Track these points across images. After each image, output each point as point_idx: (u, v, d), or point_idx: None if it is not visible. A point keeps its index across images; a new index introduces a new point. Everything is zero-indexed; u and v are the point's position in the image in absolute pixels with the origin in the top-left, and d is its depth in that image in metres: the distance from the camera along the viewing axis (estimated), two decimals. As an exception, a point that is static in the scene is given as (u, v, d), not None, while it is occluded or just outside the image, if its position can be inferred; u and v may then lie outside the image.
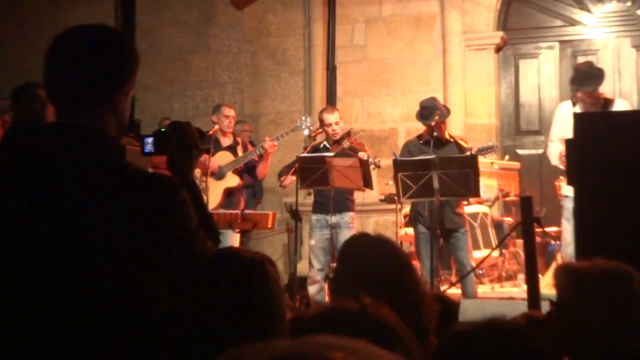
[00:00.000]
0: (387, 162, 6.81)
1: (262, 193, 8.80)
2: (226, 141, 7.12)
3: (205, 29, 9.70)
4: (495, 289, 7.30)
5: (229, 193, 6.93)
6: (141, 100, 9.10)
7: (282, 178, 6.86)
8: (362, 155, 6.38)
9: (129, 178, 1.79)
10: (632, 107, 7.20)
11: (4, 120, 5.01)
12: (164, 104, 9.71)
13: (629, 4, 8.63)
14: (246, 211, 6.56)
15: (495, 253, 6.93)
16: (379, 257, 2.08)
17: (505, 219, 7.87)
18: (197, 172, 6.53)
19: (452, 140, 6.45)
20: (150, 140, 2.08)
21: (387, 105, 9.04)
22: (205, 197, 6.20)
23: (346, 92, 8.97)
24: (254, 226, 6.38)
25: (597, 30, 8.74)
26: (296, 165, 6.52)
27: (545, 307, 3.12)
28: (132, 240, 1.74)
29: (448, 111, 6.56)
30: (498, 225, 7.67)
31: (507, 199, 7.93)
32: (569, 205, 6.25)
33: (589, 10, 8.73)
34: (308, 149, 6.99)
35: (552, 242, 7.41)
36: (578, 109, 6.31)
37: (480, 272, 7.39)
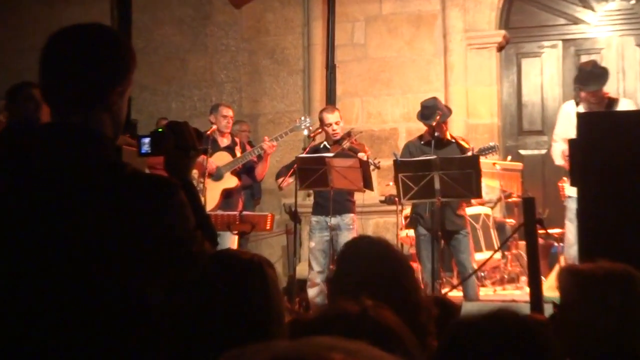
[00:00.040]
0: (387, 162, 6.81)
1: (260, 194, 8.79)
2: (224, 141, 7.12)
3: (202, 28, 9.70)
4: (498, 292, 7.30)
5: (227, 194, 6.93)
6: (138, 100, 9.10)
7: (280, 180, 6.86)
8: (362, 156, 6.38)
9: (126, 179, 1.80)
10: (636, 106, 7.20)
11: (-1, 120, 5.01)
12: (160, 104, 9.71)
13: (633, 2, 8.63)
14: (244, 212, 6.55)
15: (498, 255, 6.93)
16: (378, 259, 2.08)
17: (508, 220, 7.87)
18: (195, 173, 6.53)
19: (453, 140, 6.45)
20: (147, 140, 2.08)
21: (388, 105, 9.04)
22: (202, 198, 6.21)
23: (346, 91, 8.97)
24: (253, 228, 6.38)
25: (600, 29, 8.74)
26: (295, 166, 6.52)
27: (548, 310, 3.11)
28: (128, 241, 1.74)
29: (449, 111, 6.56)
30: (500, 227, 7.68)
31: (510, 200, 7.93)
32: (572, 205, 6.26)
33: (592, 9, 8.73)
34: (307, 149, 6.98)
35: (555, 244, 7.41)
36: (582, 108, 6.31)
37: (482, 274, 7.39)
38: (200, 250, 1.88)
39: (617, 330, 2.07)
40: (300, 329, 1.42)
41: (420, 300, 2.08)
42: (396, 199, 6.69)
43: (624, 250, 3.18)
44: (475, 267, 6.22)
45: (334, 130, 6.70)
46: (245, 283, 1.84)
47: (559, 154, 6.45)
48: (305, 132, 7.24)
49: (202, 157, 6.38)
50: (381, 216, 8.62)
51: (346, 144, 6.62)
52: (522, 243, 6.40)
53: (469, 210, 6.84)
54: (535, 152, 8.92)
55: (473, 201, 6.97)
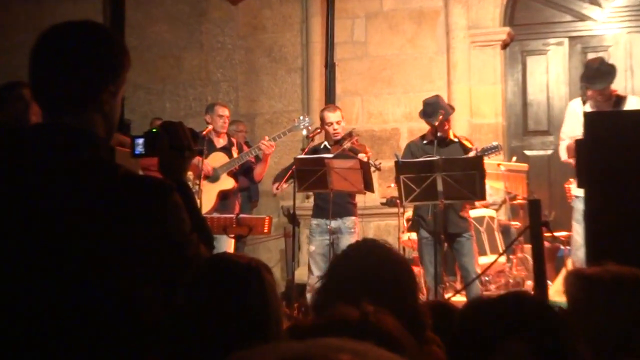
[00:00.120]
0: (388, 163, 6.82)
1: (258, 196, 8.80)
2: (220, 142, 7.12)
3: (197, 25, 9.71)
4: (502, 297, 7.28)
5: (223, 196, 6.93)
6: (131, 100, 9.10)
7: (275, 185, 6.86)
8: (362, 156, 6.38)
9: (119, 180, 1.80)
10: (645, 104, 7.20)
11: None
12: (154, 103, 9.71)
13: (641, -3, 8.64)
14: (241, 215, 6.55)
15: (502, 259, 6.93)
16: (379, 263, 2.07)
17: (513, 223, 7.87)
18: (190, 174, 6.53)
19: (456, 140, 6.45)
20: (140, 141, 2.09)
21: (389, 104, 9.05)
22: (198, 201, 6.20)
23: (346, 90, 8.98)
24: (250, 231, 6.38)
25: (608, 26, 8.75)
26: (293, 167, 6.51)
27: (554, 315, 3.12)
28: (122, 244, 1.74)
29: (452, 109, 6.56)
30: (505, 230, 7.68)
31: (515, 202, 7.93)
32: (579, 206, 6.26)
33: (599, 5, 8.74)
34: (306, 150, 6.98)
35: (562, 247, 7.41)
36: (588, 107, 6.32)
37: (487, 278, 7.39)
38: (196, 254, 1.88)
39: (625, 335, 2.07)
40: (299, 335, 1.42)
41: (418, 306, 2.08)
42: (398, 201, 6.68)
43: (633, 253, 3.18)
44: (479, 271, 6.21)
45: (334, 130, 6.70)
46: (243, 288, 1.84)
47: (565, 148, 6.46)
48: (304, 132, 7.24)
49: (197, 158, 6.37)
50: (382, 219, 8.62)
51: (347, 145, 6.61)
52: (528, 246, 6.41)
53: (473, 213, 6.83)
54: (541, 152, 8.93)
55: (477, 203, 6.97)
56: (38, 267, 1.73)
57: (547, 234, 4.99)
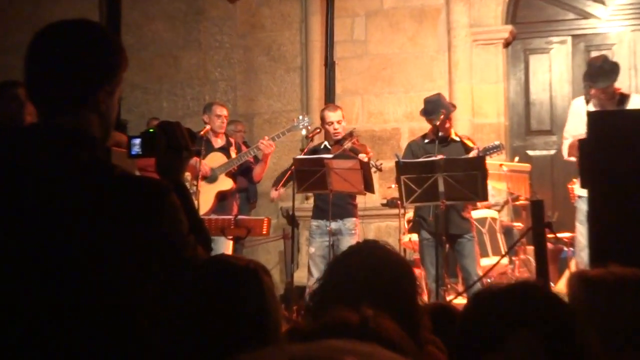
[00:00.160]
0: (389, 164, 6.82)
1: (256, 197, 8.80)
2: (218, 142, 7.12)
3: (195, 24, 9.71)
4: (505, 299, 7.28)
5: (221, 197, 6.93)
6: (128, 99, 9.11)
7: (274, 189, 6.86)
8: (363, 157, 6.38)
9: (115, 181, 1.80)
10: (649, 103, 7.20)
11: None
12: (152, 103, 9.72)
13: (645, -5, 8.65)
14: (240, 216, 6.55)
15: (505, 260, 6.93)
16: (378, 265, 2.07)
17: (515, 224, 7.87)
18: (188, 175, 6.53)
19: (458, 139, 6.45)
20: (137, 141, 2.09)
21: (389, 103, 9.05)
22: (196, 202, 6.20)
23: (346, 89, 8.98)
24: (248, 232, 6.38)
25: (611, 24, 8.75)
26: (291, 168, 6.51)
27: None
28: (118, 246, 1.74)
29: (454, 107, 6.56)
30: (507, 231, 7.68)
31: (517, 203, 7.93)
32: (582, 206, 6.25)
33: (603, 3, 8.74)
34: (305, 150, 6.98)
35: (565, 248, 7.41)
36: (592, 106, 6.32)
37: (489, 280, 7.39)
38: (194, 256, 1.88)
39: (629, 339, 2.07)
40: (298, 338, 1.42)
41: (419, 308, 2.08)
42: (398, 202, 6.68)
43: (637, 255, 3.19)
44: (481, 273, 6.21)
45: (335, 129, 6.69)
46: (241, 291, 1.84)
47: (568, 147, 6.46)
48: (304, 132, 7.24)
49: (195, 159, 6.38)
50: (383, 220, 8.62)
51: (347, 145, 6.61)
52: (531, 248, 6.40)
53: (475, 214, 6.84)
54: (544, 152, 8.93)
55: (479, 204, 6.97)
56: (33, 269, 1.73)
57: (550, 235, 4.99)
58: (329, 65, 8.11)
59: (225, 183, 6.96)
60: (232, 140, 7.29)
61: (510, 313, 1.51)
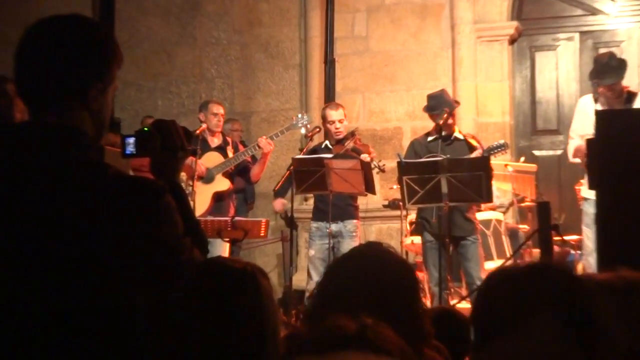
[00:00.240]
0: (391, 164, 6.81)
1: (254, 198, 8.79)
2: (215, 141, 7.12)
3: (190, 19, 9.71)
4: (510, 303, 7.28)
5: (218, 198, 6.93)
6: (121, 97, 9.11)
7: (279, 200, 6.87)
8: (365, 157, 6.37)
9: (108, 181, 1.80)
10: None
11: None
12: (146, 101, 9.71)
13: (655, -9, 8.65)
14: (237, 218, 6.55)
15: (510, 264, 6.92)
16: (378, 266, 2.07)
17: (521, 226, 7.87)
18: (183, 175, 6.53)
19: (462, 138, 6.45)
20: (131, 140, 2.08)
21: (391, 102, 9.05)
22: (192, 203, 6.20)
23: (346, 87, 8.98)
24: (245, 234, 6.38)
25: (620, 20, 8.75)
26: (290, 168, 6.51)
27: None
28: (112, 249, 1.74)
29: (457, 103, 6.57)
30: (513, 234, 7.68)
31: (523, 204, 7.93)
32: (589, 209, 6.26)
33: (611, -2, 8.76)
34: (305, 149, 6.98)
35: (572, 251, 7.41)
36: (600, 105, 6.32)
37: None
38: (189, 258, 1.88)
39: (637, 345, 2.06)
40: (297, 344, 1.42)
41: (422, 313, 2.08)
42: (400, 203, 6.69)
43: (646, 259, 3.18)
44: (484, 276, 6.20)
45: (336, 129, 6.69)
46: (238, 294, 1.83)
47: (574, 150, 6.47)
48: (303, 131, 7.24)
49: (190, 159, 6.38)
50: (384, 222, 8.62)
51: (349, 144, 6.61)
52: (537, 251, 6.40)
53: (479, 216, 6.84)
54: (550, 152, 8.93)
55: (483, 206, 6.97)
56: (22, 271, 1.73)
57: (557, 238, 4.99)
58: (329, 63, 8.12)
59: (222, 183, 6.96)
60: (229, 139, 7.29)
61: (529, 295, 1.49)
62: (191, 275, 1.86)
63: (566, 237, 6.48)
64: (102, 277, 1.74)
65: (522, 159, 8.11)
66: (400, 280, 2.06)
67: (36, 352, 1.72)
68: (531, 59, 9.06)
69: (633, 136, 3.69)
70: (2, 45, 7.79)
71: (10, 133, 1.88)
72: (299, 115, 7.20)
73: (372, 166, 6.37)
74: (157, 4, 9.77)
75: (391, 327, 1.45)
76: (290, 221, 7.24)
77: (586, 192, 6.34)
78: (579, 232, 6.79)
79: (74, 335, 1.73)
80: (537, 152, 8.99)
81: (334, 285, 2.04)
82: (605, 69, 6.32)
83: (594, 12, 8.83)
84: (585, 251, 6.52)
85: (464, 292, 6.85)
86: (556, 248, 5.73)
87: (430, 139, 6.44)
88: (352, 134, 6.74)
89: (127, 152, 2.09)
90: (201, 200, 6.77)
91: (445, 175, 5.78)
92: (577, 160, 6.47)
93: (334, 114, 6.73)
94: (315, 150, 6.88)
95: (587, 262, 6.35)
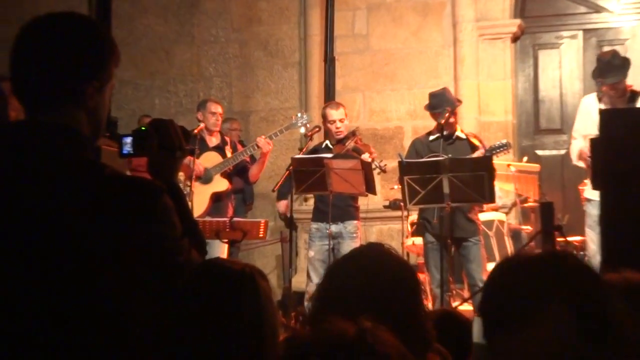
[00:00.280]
0: (392, 164, 6.81)
1: (253, 198, 8.79)
2: (213, 141, 7.12)
3: (188, 17, 9.71)
4: (513, 305, 7.28)
5: (216, 198, 6.93)
6: (118, 96, 9.10)
7: (282, 202, 6.86)
8: (366, 157, 6.37)
9: (105, 181, 1.79)
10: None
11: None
12: (143, 100, 9.71)
13: (660, -12, 8.65)
14: (235, 219, 6.55)
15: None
16: (379, 268, 2.07)
17: (524, 227, 7.87)
18: (181, 175, 6.53)
19: (464, 137, 6.45)
20: (128, 140, 2.08)
21: (392, 101, 9.05)
22: (190, 203, 6.19)
23: (346, 86, 8.98)
24: (244, 235, 6.38)
25: (624, 18, 8.75)
26: (289, 168, 6.51)
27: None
28: (108, 250, 1.74)
29: (459, 102, 6.56)
30: (515, 235, 7.68)
31: (526, 205, 7.93)
32: (592, 211, 6.26)
33: (615, -4, 8.76)
34: (304, 149, 6.98)
35: (576, 252, 7.41)
36: (604, 105, 6.32)
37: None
38: (187, 260, 1.88)
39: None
40: (294, 350, 1.42)
41: (423, 315, 2.07)
42: (401, 203, 6.69)
43: (651, 260, 3.18)
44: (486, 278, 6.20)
45: (337, 128, 6.69)
46: (236, 296, 1.83)
47: (577, 152, 6.47)
48: (302, 130, 7.24)
49: (188, 158, 6.38)
50: (385, 222, 8.62)
51: (350, 144, 6.61)
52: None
53: (482, 217, 6.83)
54: (554, 152, 8.93)
55: (485, 206, 6.97)
56: (18, 272, 1.73)
57: (560, 239, 4.99)
58: (329, 61, 8.11)
59: (221, 184, 6.96)
60: (227, 139, 7.29)
61: (539, 287, 1.47)
62: (189, 276, 1.86)
63: (570, 238, 6.48)
64: (98, 278, 1.74)
65: (525, 158, 8.11)
66: (401, 282, 2.05)
67: (31, 352, 1.72)
68: (534, 57, 9.06)
69: (637, 136, 3.69)
70: (-3, 43, 7.81)
71: (5, 132, 1.88)
72: (299, 115, 7.20)
73: (373, 167, 6.36)
74: (155, 2, 9.77)
75: (392, 330, 1.45)
76: (290, 222, 7.24)
77: (589, 193, 6.34)
78: (582, 233, 6.79)
79: (69, 336, 1.72)
80: (540, 152, 8.99)
81: (334, 287, 2.04)
82: (608, 68, 6.33)
83: (597, 9, 8.84)
84: (588, 253, 6.53)
85: (466, 294, 6.85)
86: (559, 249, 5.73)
87: (432, 138, 6.43)
88: (353, 134, 6.73)
89: (124, 151, 2.09)
90: (199, 200, 6.77)
91: (447, 175, 5.78)
92: (581, 164, 6.48)
93: (334, 114, 6.72)
94: (315, 150, 6.88)
95: (591, 264, 6.35)
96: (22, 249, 1.73)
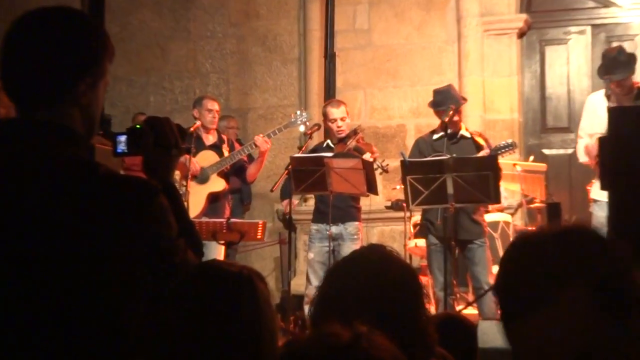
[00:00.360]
0: (394, 163, 6.81)
1: (250, 199, 8.80)
2: (210, 139, 7.12)
3: (184, 11, 9.71)
4: (518, 309, 7.28)
5: (213, 198, 6.93)
6: (112, 93, 9.11)
7: (286, 202, 6.88)
8: (368, 157, 6.37)
9: (99, 180, 1.80)
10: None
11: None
12: (138, 97, 9.72)
13: (671, -18, 8.65)
14: (232, 220, 6.55)
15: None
16: (380, 270, 2.08)
17: (530, 228, 7.87)
18: (177, 174, 6.53)
19: (469, 136, 6.45)
20: (123, 138, 2.09)
21: (394, 98, 9.05)
22: (186, 203, 6.20)
23: (347, 83, 8.99)
24: (242, 237, 6.38)
25: (634, 12, 8.75)
26: (288, 168, 6.51)
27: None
28: (102, 251, 1.74)
29: (464, 100, 6.57)
30: (521, 236, 7.66)
31: (532, 205, 7.93)
32: (599, 212, 6.27)
33: (624, -10, 8.76)
34: (304, 148, 6.98)
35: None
36: (612, 103, 6.33)
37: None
38: (183, 261, 1.88)
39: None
40: (288, 354, 1.42)
41: (426, 319, 2.08)
42: (404, 204, 6.69)
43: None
44: (492, 281, 6.21)
45: (338, 127, 6.69)
46: (234, 299, 1.83)
47: (583, 149, 6.47)
48: (302, 129, 7.24)
49: (185, 157, 6.38)
50: (387, 224, 8.63)
51: (351, 143, 6.61)
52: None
53: (486, 218, 6.83)
54: (561, 151, 8.93)
55: (491, 207, 6.97)
56: (11, 272, 1.73)
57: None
58: (329, 57, 8.12)
59: (217, 183, 6.96)
60: (224, 137, 7.29)
61: (558, 268, 1.43)
62: (185, 278, 1.86)
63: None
64: (92, 279, 1.74)
65: (532, 158, 8.11)
66: (403, 284, 2.06)
67: (24, 353, 1.72)
68: (541, 53, 9.06)
69: (647, 134, 3.69)
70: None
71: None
72: (298, 112, 7.20)
73: (375, 166, 6.36)
74: (150, -4, 9.77)
75: (393, 334, 1.45)
76: (289, 223, 7.24)
77: (596, 194, 6.33)
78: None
79: (63, 336, 1.73)
80: (546, 151, 8.99)
81: (334, 290, 2.05)
82: (613, 64, 6.33)
83: (606, 4, 8.84)
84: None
85: (470, 297, 6.85)
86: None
87: (435, 137, 6.43)
88: (354, 132, 6.72)
89: (119, 150, 2.09)
90: (195, 201, 6.77)
91: (451, 175, 5.78)
92: (585, 158, 6.48)
93: (335, 112, 6.72)
94: (316, 150, 6.87)
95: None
96: (13, 250, 1.73)
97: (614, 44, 8.31)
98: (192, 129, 6.80)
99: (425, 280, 6.37)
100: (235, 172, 7.14)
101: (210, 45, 9.64)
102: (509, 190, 7.77)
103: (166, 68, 9.74)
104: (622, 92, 6.26)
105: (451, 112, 6.20)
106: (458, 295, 6.66)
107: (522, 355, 1.46)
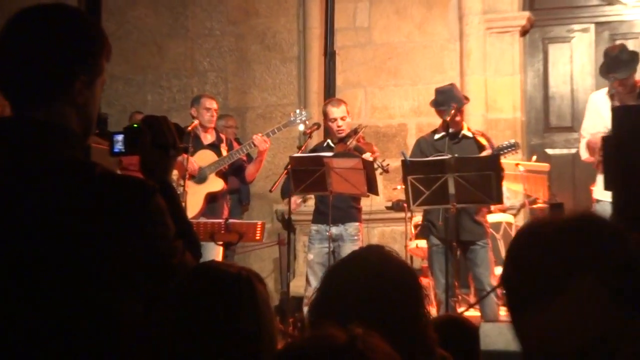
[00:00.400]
0: (395, 163, 6.81)
1: (249, 199, 8.80)
2: (208, 138, 7.12)
3: (182, 9, 9.71)
4: (521, 311, 7.29)
5: (211, 199, 6.93)
6: (108, 92, 9.11)
7: (293, 200, 6.88)
8: (368, 156, 6.36)
9: (95, 180, 1.80)
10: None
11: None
12: (135, 96, 9.72)
13: (676, -21, 8.65)
14: (231, 220, 6.55)
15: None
16: (380, 271, 2.08)
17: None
18: (175, 174, 6.53)
19: (471, 135, 6.45)
20: (120, 138, 2.09)
21: (395, 97, 9.05)
22: (183, 204, 6.20)
23: (347, 81, 8.99)
24: (240, 238, 6.38)
25: (638, 10, 8.75)
26: (288, 168, 6.51)
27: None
28: (99, 252, 1.74)
29: (466, 100, 6.56)
30: (524, 237, 7.67)
31: (535, 206, 7.93)
32: (602, 213, 6.25)
33: (629, -13, 8.76)
34: (303, 147, 6.98)
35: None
36: (616, 102, 6.33)
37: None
38: (181, 262, 1.88)
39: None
40: (284, 356, 1.42)
41: (427, 322, 2.08)
42: (405, 204, 6.69)
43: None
44: (495, 283, 6.21)
45: (339, 126, 6.68)
46: (232, 300, 1.84)
47: (585, 145, 6.47)
48: (301, 128, 7.24)
49: (182, 157, 6.38)
50: (387, 224, 8.63)
51: (352, 143, 6.60)
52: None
53: (489, 218, 6.83)
54: (564, 151, 8.93)
55: (493, 207, 6.97)
56: (6, 274, 1.73)
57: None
58: (329, 55, 8.12)
59: (216, 183, 6.96)
60: (222, 136, 7.29)
61: (571, 256, 1.40)
62: (183, 280, 1.86)
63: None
64: (88, 280, 1.74)
65: (534, 157, 8.11)
66: (402, 286, 2.06)
67: (23, 354, 1.73)
68: (544, 51, 9.07)
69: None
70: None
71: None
72: (297, 111, 7.20)
73: (376, 166, 6.36)
74: (147, -7, 9.77)
75: (392, 336, 1.45)
76: (288, 224, 7.24)
77: (599, 194, 6.33)
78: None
79: (61, 337, 1.73)
80: (550, 151, 8.99)
81: (332, 291, 2.05)
82: (615, 63, 6.33)
83: (610, 1, 8.84)
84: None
85: (472, 299, 6.85)
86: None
87: (437, 137, 6.43)
88: (355, 132, 6.71)
89: (116, 150, 2.09)
90: (193, 201, 6.77)
91: (453, 175, 5.78)
92: (587, 155, 6.48)
93: (335, 111, 6.72)
94: (315, 150, 6.87)
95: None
96: (9, 250, 1.73)
97: (618, 42, 8.31)
98: (190, 128, 6.80)
99: (426, 281, 6.36)
100: (234, 172, 7.14)
101: (209, 43, 9.64)
102: (512, 191, 7.77)
103: (164, 66, 9.74)
104: (625, 91, 6.26)
105: (452, 111, 6.20)
106: (460, 297, 6.65)
107: (532, 349, 1.44)
